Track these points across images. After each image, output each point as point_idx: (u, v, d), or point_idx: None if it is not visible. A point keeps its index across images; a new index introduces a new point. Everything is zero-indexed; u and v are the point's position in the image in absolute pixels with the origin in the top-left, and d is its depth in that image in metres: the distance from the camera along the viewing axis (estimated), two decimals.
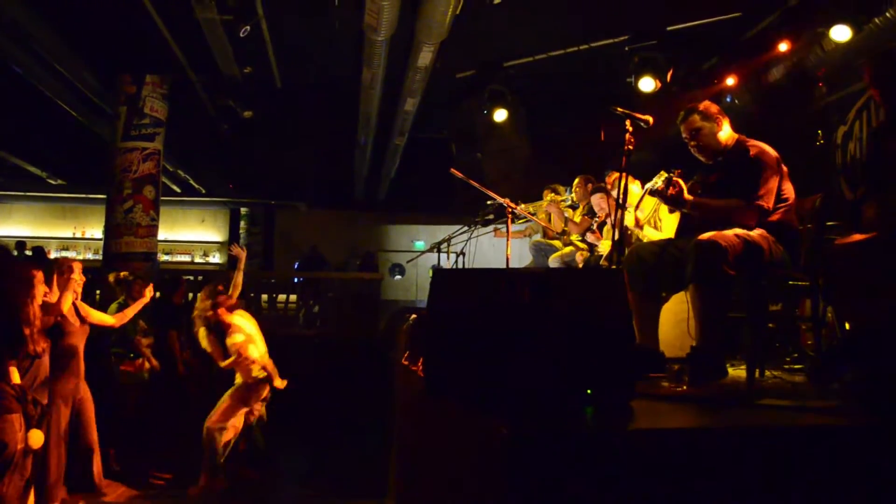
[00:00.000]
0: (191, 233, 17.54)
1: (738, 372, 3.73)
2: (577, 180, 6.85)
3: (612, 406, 2.56)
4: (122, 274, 6.90)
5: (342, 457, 7.36)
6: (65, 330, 5.29)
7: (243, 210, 17.42)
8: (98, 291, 8.86)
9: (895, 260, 3.08)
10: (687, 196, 3.67)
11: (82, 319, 5.49)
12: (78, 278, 5.34)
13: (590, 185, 6.65)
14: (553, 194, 6.95)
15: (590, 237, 6.24)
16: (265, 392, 6.29)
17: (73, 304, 5.38)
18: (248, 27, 7.36)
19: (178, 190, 16.09)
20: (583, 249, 6.34)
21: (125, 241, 9.38)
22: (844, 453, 2.28)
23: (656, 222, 5.49)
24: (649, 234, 5.29)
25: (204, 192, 16.53)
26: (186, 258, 17.12)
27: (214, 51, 8.10)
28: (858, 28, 6.22)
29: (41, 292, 4.97)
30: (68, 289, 5.19)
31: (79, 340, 5.44)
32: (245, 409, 6.19)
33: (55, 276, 5.23)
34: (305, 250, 15.21)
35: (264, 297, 10.94)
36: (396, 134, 11.37)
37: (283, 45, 8.58)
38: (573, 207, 6.90)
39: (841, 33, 6.31)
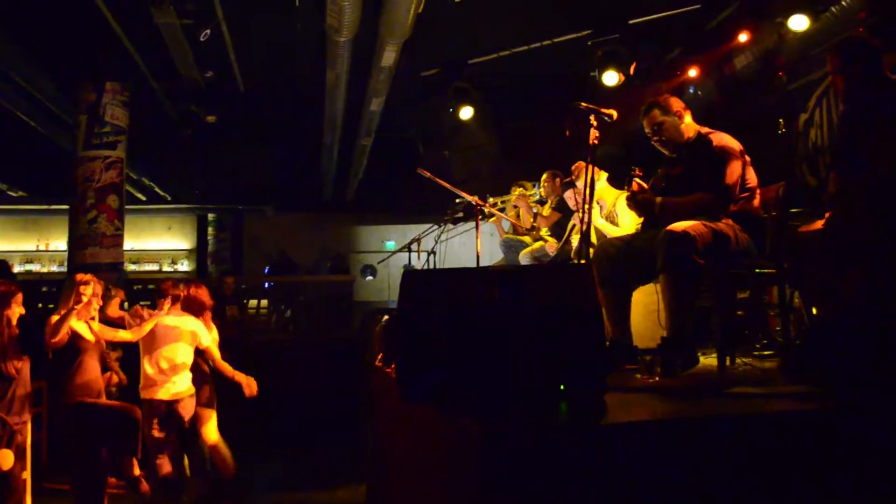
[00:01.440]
0: (158, 241, 17.31)
1: (709, 360, 3.77)
2: (545, 175, 6.87)
3: (586, 401, 2.57)
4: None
5: (317, 461, 7.31)
6: (78, 347, 5.06)
7: (210, 216, 17.24)
8: None
9: (856, 244, 3.14)
10: (654, 202, 3.71)
11: (96, 337, 5.25)
12: (89, 293, 5.09)
13: (558, 180, 6.67)
14: (521, 190, 6.96)
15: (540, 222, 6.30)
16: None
17: (87, 322, 5.18)
18: (209, 31, 7.27)
19: (143, 198, 15.89)
20: (551, 243, 6.36)
21: (90, 252, 9.22)
22: (815, 438, 2.31)
23: (614, 218, 5.55)
24: (603, 227, 5.35)
25: (169, 199, 16.34)
26: (154, 267, 16.90)
27: (175, 56, 7.99)
28: (816, 17, 6.31)
29: (16, 313, 4.88)
30: (81, 306, 4.97)
31: (93, 358, 5.19)
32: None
33: (72, 293, 5.03)
34: (275, 254, 15.10)
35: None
36: (363, 134, 11.33)
37: (244, 48, 8.50)
38: (541, 203, 6.92)
39: (799, 22, 6.40)
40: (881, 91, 3.40)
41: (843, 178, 3.42)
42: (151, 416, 5.40)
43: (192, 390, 5.69)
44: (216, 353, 5.82)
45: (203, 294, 6.00)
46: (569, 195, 6.22)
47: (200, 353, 5.83)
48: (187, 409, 5.60)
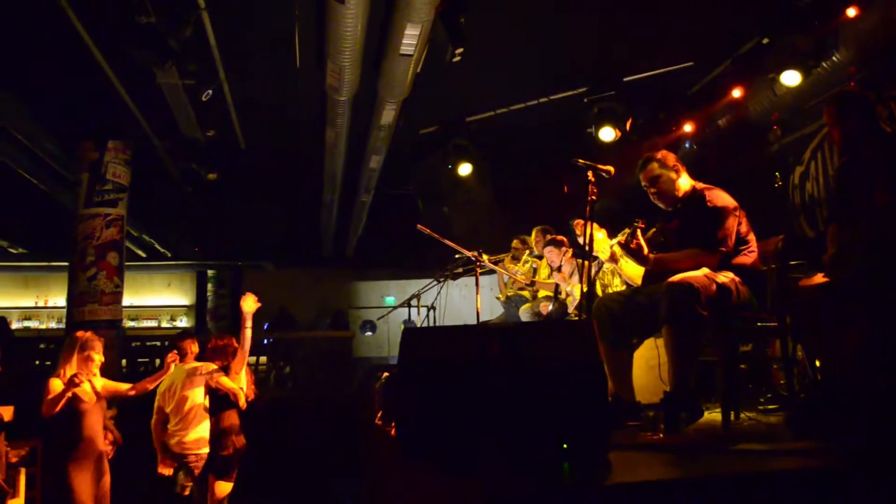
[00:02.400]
0: (157, 297, 17.27)
1: (713, 415, 3.72)
2: (535, 233, 6.89)
3: (590, 459, 2.53)
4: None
5: None
6: (77, 409, 4.91)
7: (210, 272, 17.23)
8: None
9: (857, 298, 3.12)
10: (647, 254, 3.73)
11: (98, 396, 5.12)
12: (96, 356, 5.05)
13: (549, 237, 6.69)
14: (521, 244, 6.99)
15: (556, 277, 6.27)
16: None
17: (88, 379, 5.04)
18: (210, 91, 7.38)
19: (144, 254, 15.90)
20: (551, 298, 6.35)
21: (89, 309, 9.17)
22: (821, 496, 2.26)
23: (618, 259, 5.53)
24: (624, 268, 5.33)
25: (169, 255, 16.34)
26: (153, 323, 16.82)
27: (177, 115, 8.09)
28: (807, 73, 6.41)
29: None
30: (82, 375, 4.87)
31: (95, 421, 5.04)
32: None
33: (74, 353, 4.97)
34: (274, 310, 15.04)
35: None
36: (362, 191, 11.40)
37: (245, 107, 8.60)
38: (539, 257, 6.94)
39: (791, 78, 6.50)
40: (877, 143, 3.44)
41: (841, 230, 3.43)
42: None
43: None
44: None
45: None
46: (549, 251, 6.23)
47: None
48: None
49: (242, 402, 5.61)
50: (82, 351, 5.01)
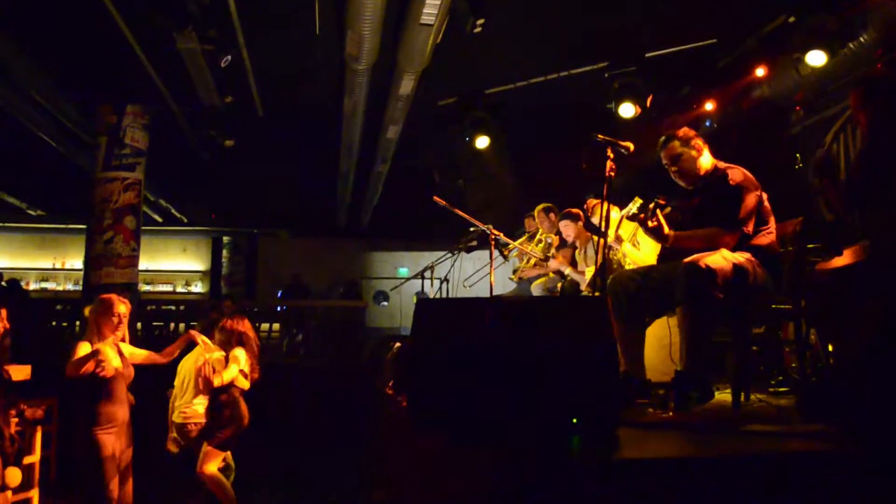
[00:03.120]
0: (172, 262, 17.41)
1: (723, 396, 3.73)
2: (538, 212, 6.82)
3: (599, 435, 2.54)
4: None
5: (325, 489, 7.25)
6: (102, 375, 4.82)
7: (225, 239, 17.35)
8: (78, 323, 8.75)
9: (875, 284, 3.11)
10: (668, 232, 3.70)
11: (124, 363, 5.04)
12: (115, 318, 4.95)
13: (552, 215, 6.63)
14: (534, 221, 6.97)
15: (553, 264, 6.24)
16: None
17: (116, 345, 4.98)
18: (230, 57, 7.37)
19: (160, 219, 16.01)
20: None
21: (105, 272, 9.28)
22: (831, 479, 2.27)
23: (635, 242, 5.51)
24: (628, 252, 5.31)
25: (186, 221, 16.45)
26: (168, 288, 16.98)
27: (195, 80, 8.09)
28: (833, 53, 6.30)
29: None
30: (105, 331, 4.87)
31: (120, 388, 4.97)
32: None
33: (105, 317, 4.90)
34: (288, 279, 15.13)
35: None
36: (379, 161, 11.39)
37: (264, 74, 8.59)
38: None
39: (816, 58, 6.39)
40: None
41: (860, 216, 3.40)
42: None
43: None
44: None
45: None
46: (564, 225, 6.19)
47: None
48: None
49: (243, 385, 5.69)
50: (112, 315, 4.97)
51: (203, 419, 5.75)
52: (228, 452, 5.81)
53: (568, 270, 6.09)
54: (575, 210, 6.25)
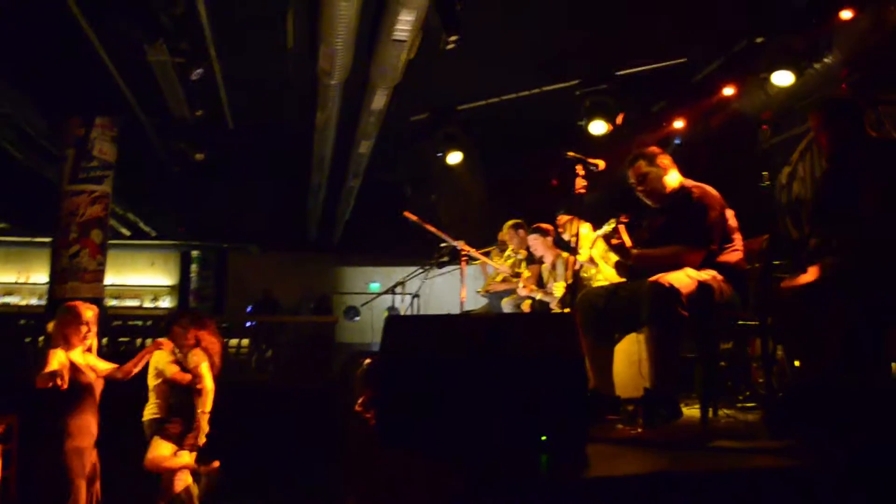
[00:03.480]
0: (140, 277, 17.18)
1: (692, 411, 3.75)
2: (506, 229, 6.86)
3: (568, 452, 2.55)
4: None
5: None
6: (80, 385, 4.78)
7: (194, 253, 17.16)
8: (41, 339, 8.58)
9: (836, 302, 3.16)
10: (631, 250, 3.74)
11: (95, 372, 4.99)
12: (84, 327, 4.90)
13: (522, 231, 6.67)
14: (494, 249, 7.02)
15: (522, 292, 6.25)
16: None
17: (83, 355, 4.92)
18: (201, 70, 7.32)
19: (128, 233, 15.79)
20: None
21: (70, 287, 9.12)
22: (798, 495, 2.29)
23: (607, 259, 5.56)
24: (604, 271, 5.35)
25: (154, 234, 16.25)
26: (136, 303, 16.74)
27: (166, 93, 8.03)
28: (800, 73, 6.43)
29: None
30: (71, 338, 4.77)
31: (91, 401, 4.89)
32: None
33: (70, 325, 4.82)
34: (258, 294, 15.00)
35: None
36: (351, 176, 11.37)
37: (235, 88, 8.55)
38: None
39: (782, 78, 6.51)
40: (863, 149, 3.46)
41: (825, 235, 3.46)
42: None
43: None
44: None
45: None
46: (533, 240, 6.22)
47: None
48: None
49: (204, 384, 5.62)
50: (80, 323, 4.86)
51: (156, 414, 5.69)
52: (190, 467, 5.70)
53: (539, 296, 6.11)
54: (545, 225, 6.28)
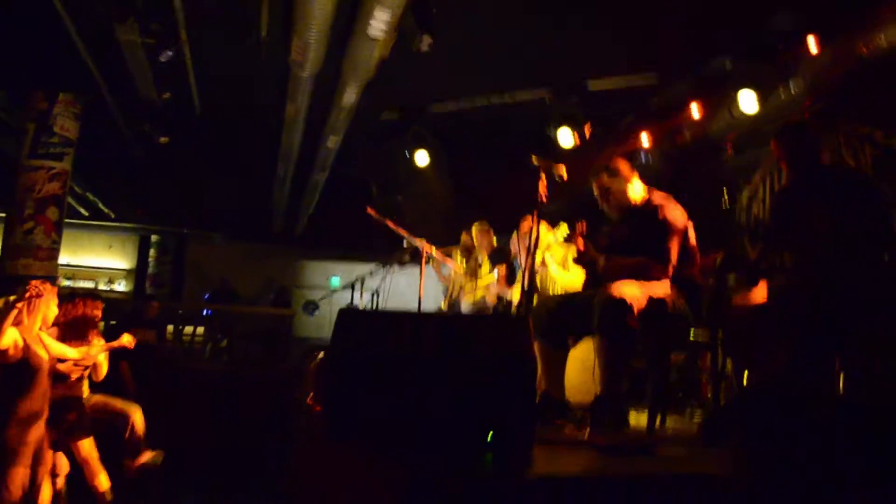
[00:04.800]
0: (96, 259, 16.87)
1: (641, 419, 3.82)
2: (475, 228, 6.90)
3: (514, 452, 2.57)
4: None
5: (241, 499, 7.10)
6: (33, 367, 4.56)
7: (154, 238, 16.90)
8: None
9: (788, 320, 3.24)
10: (599, 260, 3.80)
11: (50, 356, 4.77)
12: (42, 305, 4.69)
13: (490, 232, 6.72)
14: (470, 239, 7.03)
15: (493, 288, 6.29)
16: None
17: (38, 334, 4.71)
18: (171, 52, 7.23)
19: (86, 213, 15.51)
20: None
21: (22, 263, 8.92)
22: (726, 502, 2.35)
23: (565, 265, 5.62)
24: (557, 276, 5.41)
25: (113, 216, 15.98)
26: (90, 284, 16.42)
27: (133, 73, 7.91)
28: (765, 98, 6.57)
29: None
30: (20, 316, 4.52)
31: (46, 380, 4.69)
32: None
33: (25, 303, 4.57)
34: (217, 282, 14.85)
35: (170, 328, 10.58)
36: (317, 169, 11.31)
37: (205, 73, 8.45)
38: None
39: (748, 104, 6.65)
40: (813, 176, 3.58)
41: (775, 255, 3.56)
42: None
43: None
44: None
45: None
46: (512, 241, 6.27)
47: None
48: None
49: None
50: (39, 303, 4.72)
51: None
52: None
53: (509, 296, 6.14)
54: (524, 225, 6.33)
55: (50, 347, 4.84)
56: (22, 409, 4.55)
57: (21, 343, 4.51)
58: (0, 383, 4.56)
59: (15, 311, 4.44)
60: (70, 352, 5.12)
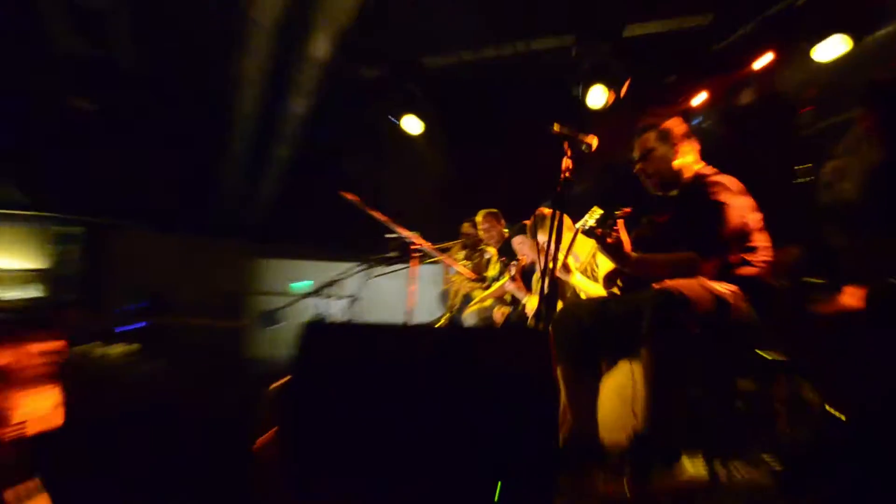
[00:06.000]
0: None
1: (695, 466, 3.75)
2: (480, 218, 6.88)
3: None
4: None
5: None
6: None
7: (64, 229, 16.88)
8: None
9: (882, 334, 3.17)
10: (629, 252, 3.71)
11: None
12: None
13: (502, 222, 6.70)
14: (474, 229, 7.00)
15: (509, 286, 6.26)
16: None
17: None
18: None
19: None
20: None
21: None
22: None
23: (593, 270, 5.55)
24: (581, 284, 5.34)
25: (14, 203, 15.95)
26: None
27: (47, 18, 7.86)
28: (857, 41, 6.47)
29: None
30: None
31: None
32: None
33: None
34: (147, 287, 14.83)
35: (85, 347, 10.53)
36: (280, 142, 11.28)
37: (139, 21, 8.40)
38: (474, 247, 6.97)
39: (831, 49, 6.56)
40: None
41: (875, 247, 3.49)
42: None
43: None
44: None
45: None
46: (518, 241, 6.24)
47: None
48: None
49: None
50: None
51: None
52: None
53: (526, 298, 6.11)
54: (528, 222, 6.29)
55: None
56: None
57: None
58: None
59: None
60: None
